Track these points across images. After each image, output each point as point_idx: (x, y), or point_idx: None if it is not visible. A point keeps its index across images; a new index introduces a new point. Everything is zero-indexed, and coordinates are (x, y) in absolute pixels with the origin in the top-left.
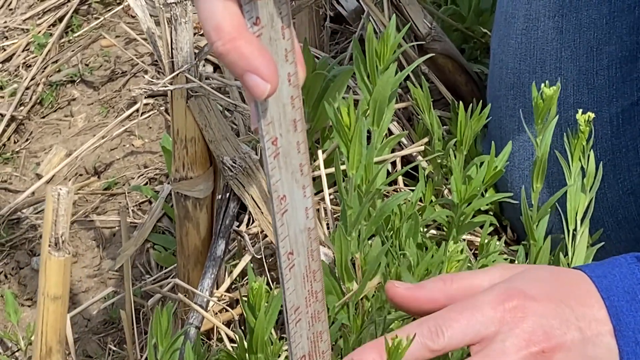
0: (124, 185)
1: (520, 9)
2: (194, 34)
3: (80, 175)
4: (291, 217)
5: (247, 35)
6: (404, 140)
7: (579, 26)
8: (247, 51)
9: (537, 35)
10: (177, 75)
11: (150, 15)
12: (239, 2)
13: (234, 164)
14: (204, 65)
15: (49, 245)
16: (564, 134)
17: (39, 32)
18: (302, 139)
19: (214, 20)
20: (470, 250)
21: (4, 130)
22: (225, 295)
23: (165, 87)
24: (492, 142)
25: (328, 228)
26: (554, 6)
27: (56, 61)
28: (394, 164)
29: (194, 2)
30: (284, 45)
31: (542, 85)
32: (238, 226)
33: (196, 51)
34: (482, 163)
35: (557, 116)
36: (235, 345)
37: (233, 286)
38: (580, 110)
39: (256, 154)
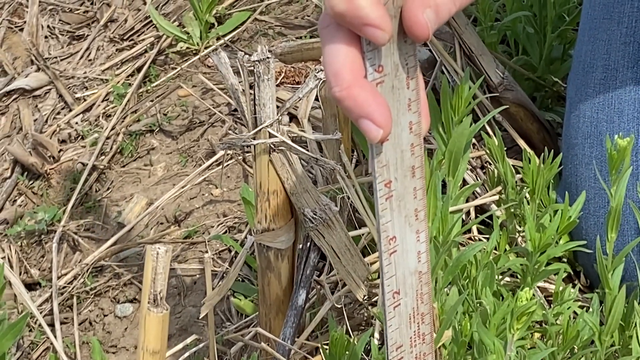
0: (203, 233)
1: (599, 60)
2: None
3: (161, 223)
4: (400, 258)
5: (362, 83)
6: (477, 188)
7: None
8: (361, 98)
9: (615, 86)
10: (260, 130)
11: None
12: (361, 49)
13: (314, 216)
14: (281, 115)
15: (148, 302)
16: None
17: (118, 82)
18: (419, 185)
19: (334, 66)
20: (544, 296)
21: (86, 180)
22: (305, 344)
23: (249, 142)
24: (567, 191)
25: None
26: (633, 57)
27: (135, 111)
28: (467, 212)
29: (321, 45)
30: (407, 95)
31: (616, 136)
32: (318, 275)
33: (279, 105)
34: (555, 211)
35: (633, 166)
36: None
37: (313, 333)
38: None
39: (336, 206)
